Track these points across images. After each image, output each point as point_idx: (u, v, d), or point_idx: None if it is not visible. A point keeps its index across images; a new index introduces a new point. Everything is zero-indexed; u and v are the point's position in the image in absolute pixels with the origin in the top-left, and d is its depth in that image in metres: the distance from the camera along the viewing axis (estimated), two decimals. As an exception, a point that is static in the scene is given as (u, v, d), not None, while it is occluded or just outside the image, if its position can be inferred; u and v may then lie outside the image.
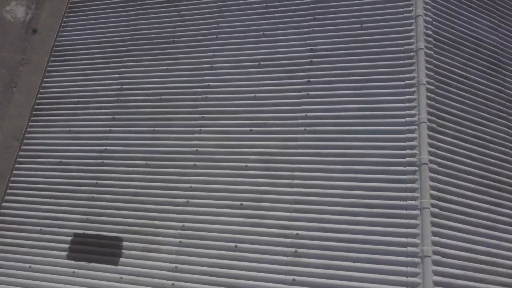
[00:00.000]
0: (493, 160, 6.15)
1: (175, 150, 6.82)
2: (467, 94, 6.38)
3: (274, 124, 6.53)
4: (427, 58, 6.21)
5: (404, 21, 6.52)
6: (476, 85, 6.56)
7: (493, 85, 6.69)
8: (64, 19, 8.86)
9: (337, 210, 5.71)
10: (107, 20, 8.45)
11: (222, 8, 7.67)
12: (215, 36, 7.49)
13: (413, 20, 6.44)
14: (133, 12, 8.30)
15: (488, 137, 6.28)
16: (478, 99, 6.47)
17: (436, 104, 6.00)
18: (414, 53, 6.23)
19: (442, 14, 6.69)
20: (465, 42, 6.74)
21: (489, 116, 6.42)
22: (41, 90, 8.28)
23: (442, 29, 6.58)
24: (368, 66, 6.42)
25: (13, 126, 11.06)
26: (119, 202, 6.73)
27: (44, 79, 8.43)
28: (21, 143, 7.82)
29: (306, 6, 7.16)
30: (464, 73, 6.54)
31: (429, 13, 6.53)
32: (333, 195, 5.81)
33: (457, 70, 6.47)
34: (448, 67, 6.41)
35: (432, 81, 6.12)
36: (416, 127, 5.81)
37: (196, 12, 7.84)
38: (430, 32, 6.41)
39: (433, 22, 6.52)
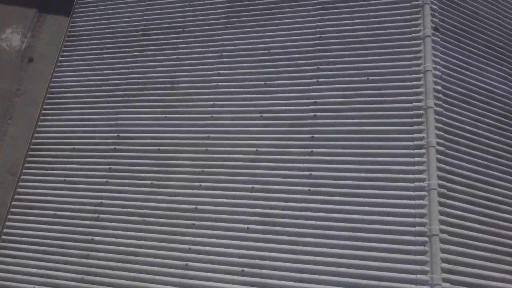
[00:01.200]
0: (505, 223, 5.91)
1: (174, 207, 6.57)
2: (477, 152, 6.13)
3: (276, 182, 6.27)
4: (437, 117, 5.96)
5: (413, 75, 6.26)
6: (487, 141, 6.30)
7: (504, 140, 6.44)
8: (60, 58, 8.59)
9: (344, 282, 5.45)
10: (104, 62, 8.18)
11: (223, 54, 7.42)
12: (215, 83, 7.24)
13: (421, 75, 6.19)
14: (131, 54, 8.05)
15: (499, 198, 6.04)
16: (489, 156, 6.21)
17: (446, 167, 5.74)
18: (423, 111, 5.98)
19: (452, 66, 6.43)
20: (475, 95, 6.48)
21: (500, 174, 6.17)
22: (35, 135, 8.02)
23: (451, 83, 6.32)
24: (376, 123, 6.17)
25: (8, 160, 10.81)
26: (116, 262, 6.47)
27: (39, 123, 8.16)
28: (14, 192, 7.55)
29: (310, 55, 6.91)
30: (475, 129, 6.29)
31: (438, 66, 6.28)
32: (338, 265, 5.55)
33: (467, 127, 6.22)
34: (459, 124, 6.15)
35: (442, 141, 5.86)
36: (426, 193, 5.55)
37: (195, 57, 7.59)
38: (439, 88, 6.15)
39: (442, 76, 6.26)
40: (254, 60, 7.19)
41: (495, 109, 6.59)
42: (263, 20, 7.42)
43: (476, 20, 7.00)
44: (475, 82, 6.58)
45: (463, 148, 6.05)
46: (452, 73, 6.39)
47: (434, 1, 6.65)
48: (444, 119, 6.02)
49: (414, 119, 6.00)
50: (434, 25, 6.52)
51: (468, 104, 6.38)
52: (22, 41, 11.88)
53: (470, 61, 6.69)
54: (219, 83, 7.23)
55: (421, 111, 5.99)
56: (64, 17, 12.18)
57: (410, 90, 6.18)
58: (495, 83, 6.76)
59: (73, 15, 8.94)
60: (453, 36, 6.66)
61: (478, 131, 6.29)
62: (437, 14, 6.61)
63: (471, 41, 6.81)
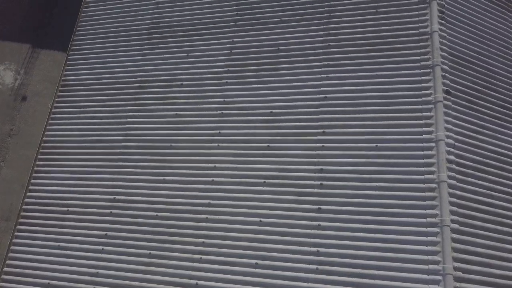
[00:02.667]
0: (523, 303, 5.61)
1: (173, 281, 6.23)
2: (492, 226, 5.81)
3: (281, 258, 5.94)
4: (450, 191, 5.65)
5: (424, 144, 5.95)
6: (502, 211, 6.00)
7: (520, 208, 6.15)
8: (53, 110, 8.25)
9: None
10: (99, 115, 7.83)
11: (223, 112, 7.10)
12: (216, 144, 6.92)
13: (433, 144, 5.88)
14: (127, 108, 7.72)
15: (517, 274, 5.74)
16: (504, 229, 5.91)
17: (461, 246, 5.44)
18: (436, 185, 5.67)
19: (465, 132, 6.12)
20: (490, 161, 6.16)
21: (516, 247, 5.88)
22: (28, 194, 7.66)
23: (465, 151, 6.01)
24: (386, 196, 5.86)
25: (2, 206, 10.45)
26: None
27: (31, 180, 7.80)
28: (3, 263, 7.18)
29: (315, 117, 6.59)
30: (489, 200, 5.97)
31: (450, 134, 5.97)
32: None
33: (482, 198, 5.91)
34: (473, 196, 5.84)
35: (456, 218, 5.55)
36: (441, 277, 5.24)
37: (195, 114, 7.26)
38: (452, 158, 5.85)
39: (456, 144, 5.96)
40: (257, 120, 6.88)
41: (509, 174, 6.30)
42: (266, 77, 7.11)
43: (490, 78, 6.70)
44: (490, 146, 6.27)
45: (478, 223, 5.74)
46: (465, 139, 6.09)
47: (445, 61, 6.35)
48: (458, 192, 5.71)
49: (427, 193, 5.68)
50: (445, 88, 6.22)
51: (482, 172, 6.07)
52: (15, 78, 11.53)
53: (484, 123, 6.39)
54: (220, 144, 6.91)
55: (434, 185, 5.68)
56: (58, 52, 11.88)
57: (422, 161, 5.87)
58: (510, 145, 6.47)
59: (67, 63, 8.60)
60: (466, 98, 6.36)
61: (493, 201, 5.99)
62: (448, 75, 6.31)
63: (485, 101, 6.50)
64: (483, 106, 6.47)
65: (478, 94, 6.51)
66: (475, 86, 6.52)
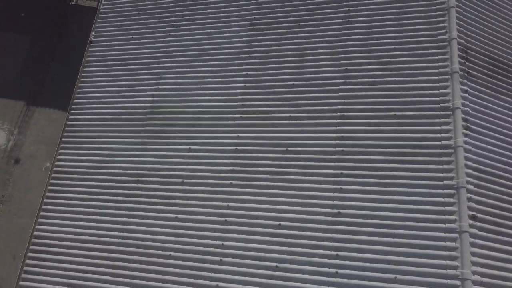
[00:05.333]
0: None
1: None
2: None
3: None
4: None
5: (448, 281, 5.43)
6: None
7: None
8: (43, 206, 7.67)
9: None
10: (93, 211, 7.28)
11: (227, 219, 6.56)
12: (219, 258, 6.38)
13: (458, 283, 5.36)
14: (124, 205, 7.17)
15: None
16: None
17: None
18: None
19: (492, 263, 5.59)
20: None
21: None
22: (21, 283, 7.15)
23: (494, 286, 5.51)
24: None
25: (-8, 280, 9.92)
26: None
27: (22, 275, 7.29)
28: None
29: (328, 235, 6.03)
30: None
31: (477, 269, 5.44)
32: None
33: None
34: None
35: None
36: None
37: (196, 219, 6.72)
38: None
39: (482, 281, 5.43)
40: (264, 233, 6.34)
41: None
42: (273, 181, 6.58)
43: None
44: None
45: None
46: (493, 271, 5.56)
47: (470, 180, 5.80)
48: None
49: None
50: (471, 213, 5.69)
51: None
52: (8, 139, 11.00)
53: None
54: (223, 258, 6.38)
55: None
56: (53, 110, 11.36)
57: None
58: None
59: (61, 145, 8.06)
60: (493, 220, 5.81)
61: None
62: (473, 196, 5.76)
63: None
64: (510, 227, 5.96)
65: (505, 213, 5.99)
66: (503, 205, 6.00)
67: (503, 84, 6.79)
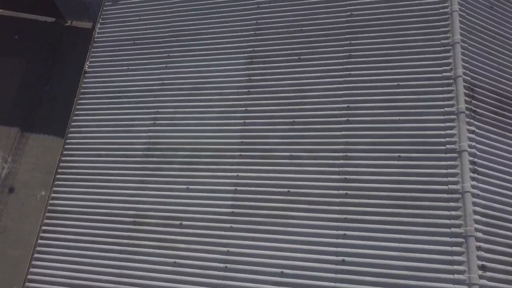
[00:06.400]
0: None
1: None
2: None
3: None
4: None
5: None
6: None
7: None
8: (39, 241, 7.45)
9: None
10: (87, 253, 7.01)
11: (227, 266, 6.32)
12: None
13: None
14: (120, 248, 6.95)
15: None
16: None
17: None
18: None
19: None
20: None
21: None
22: None
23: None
24: None
25: (-15, 315, 9.69)
26: None
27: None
28: None
29: (332, 285, 5.84)
30: None
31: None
32: None
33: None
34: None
35: None
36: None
37: (196, 265, 6.49)
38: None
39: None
40: (266, 281, 6.11)
41: None
42: (275, 225, 6.34)
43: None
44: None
45: None
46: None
47: (479, 227, 5.60)
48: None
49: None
50: (481, 263, 5.48)
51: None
52: (2, 167, 10.75)
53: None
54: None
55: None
56: (48, 137, 11.13)
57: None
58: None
59: (55, 183, 7.82)
60: (503, 269, 5.61)
61: None
62: (482, 245, 5.55)
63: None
64: (521, 275, 5.76)
65: (515, 260, 5.80)
66: (512, 251, 5.81)
67: (510, 121, 6.60)
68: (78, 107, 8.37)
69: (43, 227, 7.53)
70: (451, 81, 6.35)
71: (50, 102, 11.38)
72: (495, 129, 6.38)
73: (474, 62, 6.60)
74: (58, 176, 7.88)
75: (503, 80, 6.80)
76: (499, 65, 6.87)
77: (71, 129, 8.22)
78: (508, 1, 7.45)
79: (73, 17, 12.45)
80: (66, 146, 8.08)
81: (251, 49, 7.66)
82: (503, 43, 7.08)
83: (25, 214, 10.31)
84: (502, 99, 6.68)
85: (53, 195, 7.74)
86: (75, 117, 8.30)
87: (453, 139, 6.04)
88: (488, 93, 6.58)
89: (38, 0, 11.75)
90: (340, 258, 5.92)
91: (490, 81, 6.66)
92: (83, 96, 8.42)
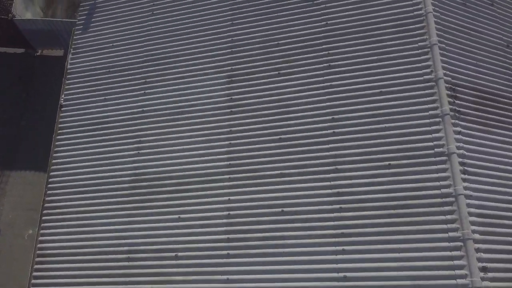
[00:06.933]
0: None
1: None
2: None
3: None
4: None
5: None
6: None
7: None
8: (32, 281, 7.17)
9: None
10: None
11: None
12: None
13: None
14: (115, 286, 6.76)
15: None
16: None
17: None
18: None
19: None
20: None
21: None
22: None
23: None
24: None
25: None
26: None
27: None
28: None
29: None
30: None
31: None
32: None
33: None
34: None
35: None
36: None
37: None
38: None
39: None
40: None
41: None
42: (271, 247, 6.21)
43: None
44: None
45: None
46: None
47: (476, 229, 5.59)
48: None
49: None
50: (481, 265, 5.46)
51: None
52: (-15, 208, 10.39)
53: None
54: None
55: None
56: (29, 172, 10.79)
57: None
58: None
59: (42, 225, 7.53)
60: (505, 275, 5.63)
61: None
62: (481, 246, 5.54)
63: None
64: (522, 272, 5.77)
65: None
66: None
67: (493, 117, 6.60)
68: (57, 143, 8.10)
69: (34, 273, 7.25)
70: (433, 83, 6.34)
71: (28, 137, 11.04)
72: (479, 127, 6.39)
73: (453, 62, 6.61)
74: (44, 217, 7.60)
75: (481, 76, 6.82)
76: (477, 61, 6.89)
77: (52, 167, 7.94)
78: (480, -5, 7.50)
79: (43, 46, 12.10)
80: (49, 185, 7.80)
81: (230, 67, 7.53)
82: (478, 38, 7.10)
83: (14, 256, 9.97)
84: (483, 94, 6.69)
85: (41, 238, 7.46)
86: (55, 154, 8.03)
87: (440, 142, 6.02)
88: (469, 91, 6.59)
89: (4, 32, 11.39)
90: (342, 274, 5.83)
91: (470, 78, 6.68)
92: (61, 131, 8.15)
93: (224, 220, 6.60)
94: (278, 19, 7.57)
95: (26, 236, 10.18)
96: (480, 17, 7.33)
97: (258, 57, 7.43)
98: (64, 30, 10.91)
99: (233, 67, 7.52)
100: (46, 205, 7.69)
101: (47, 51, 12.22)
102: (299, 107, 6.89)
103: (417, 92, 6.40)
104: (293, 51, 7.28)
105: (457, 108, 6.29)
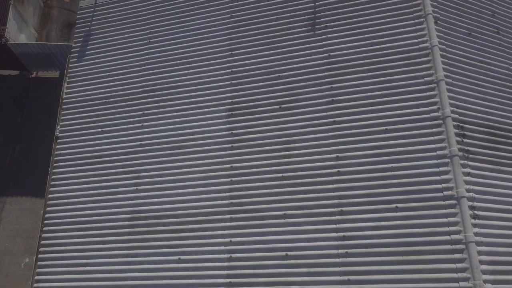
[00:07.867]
0: None
1: None
2: None
3: None
4: None
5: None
6: None
7: None
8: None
9: None
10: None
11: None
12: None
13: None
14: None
15: None
16: None
17: None
18: None
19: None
20: None
21: None
22: None
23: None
24: None
25: None
26: None
27: None
28: None
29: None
30: None
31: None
32: None
33: None
34: None
35: None
36: None
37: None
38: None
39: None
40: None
41: None
42: (276, 294, 6.05)
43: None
44: None
45: None
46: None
47: (490, 286, 5.41)
48: None
49: None
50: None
51: None
52: (-20, 238, 10.17)
53: None
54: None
55: None
56: (26, 199, 10.57)
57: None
58: None
59: (39, 256, 7.31)
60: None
61: None
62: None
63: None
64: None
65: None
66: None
67: (503, 154, 6.39)
68: (53, 176, 7.88)
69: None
70: (440, 121, 6.13)
71: (23, 162, 10.82)
72: (490, 166, 6.18)
73: (461, 97, 6.40)
74: (40, 255, 7.37)
75: (490, 110, 6.61)
76: (485, 95, 6.68)
77: (48, 202, 7.72)
78: (486, 24, 7.28)
79: (39, 68, 11.85)
80: (46, 221, 7.57)
81: (230, 100, 7.32)
82: (485, 70, 6.90)
83: (10, 285, 9.76)
84: (492, 131, 6.49)
85: (37, 277, 7.25)
86: (51, 188, 7.81)
87: (449, 185, 5.81)
88: (478, 128, 6.38)
89: (-2, 53, 11.17)
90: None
91: (478, 114, 6.46)
92: (57, 164, 7.93)
93: (226, 263, 6.38)
94: (279, 50, 7.35)
95: (23, 264, 9.97)
96: (486, 46, 7.12)
97: (259, 90, 7.21)
98: (60, 53, 10.68)
99: (233, 100, 7.30)
100: (43, 242, 7.47)
101: (42, 73, 11.98)
102: (302, 144, 6.68)
103: (424, 131, 6.19)
104: (295, 84, 7.06)
105: (466, 148, 6.08)
